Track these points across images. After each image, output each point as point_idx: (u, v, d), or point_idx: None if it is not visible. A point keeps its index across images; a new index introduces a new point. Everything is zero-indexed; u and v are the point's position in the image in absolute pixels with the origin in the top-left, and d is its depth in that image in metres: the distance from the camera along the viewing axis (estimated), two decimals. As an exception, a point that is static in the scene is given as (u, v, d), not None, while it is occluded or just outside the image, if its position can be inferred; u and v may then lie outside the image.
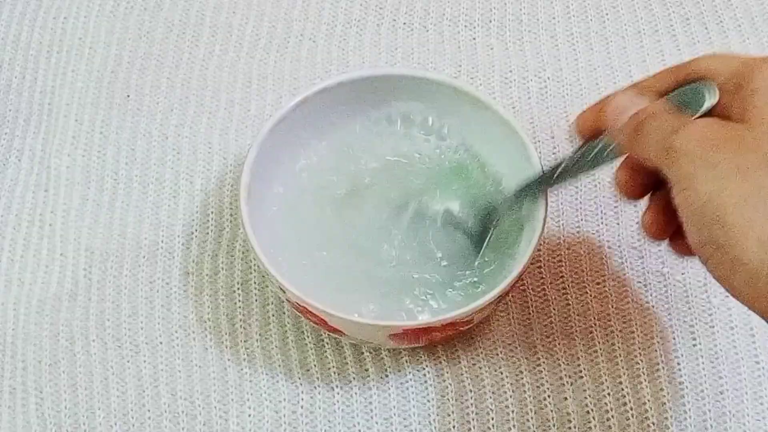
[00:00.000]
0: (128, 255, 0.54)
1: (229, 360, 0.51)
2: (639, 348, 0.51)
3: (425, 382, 0.50)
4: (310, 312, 0.46)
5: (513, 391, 0.50)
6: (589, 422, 0.49)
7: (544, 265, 0.53)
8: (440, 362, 0.51)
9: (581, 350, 0.51)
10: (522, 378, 0.50)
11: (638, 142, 0.39)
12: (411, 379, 0.51)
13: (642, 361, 0.51)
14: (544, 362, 0.51)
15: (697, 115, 0.39)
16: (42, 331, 0.52)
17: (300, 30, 0.62)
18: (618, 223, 0.54)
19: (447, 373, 0.51)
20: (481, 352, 0.51)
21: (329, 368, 0.51)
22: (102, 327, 0.52)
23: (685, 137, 0.36)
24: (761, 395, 0.50)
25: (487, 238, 0.49)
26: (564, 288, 0.53)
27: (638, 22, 0.62)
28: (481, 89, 0.59)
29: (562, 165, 0.45)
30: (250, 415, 0.50)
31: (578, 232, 0.54)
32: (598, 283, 0.53)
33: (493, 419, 0.50)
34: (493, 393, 0.50)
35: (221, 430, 0.50)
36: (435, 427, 0.49)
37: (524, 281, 0.53)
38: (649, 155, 0.38)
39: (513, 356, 0.51)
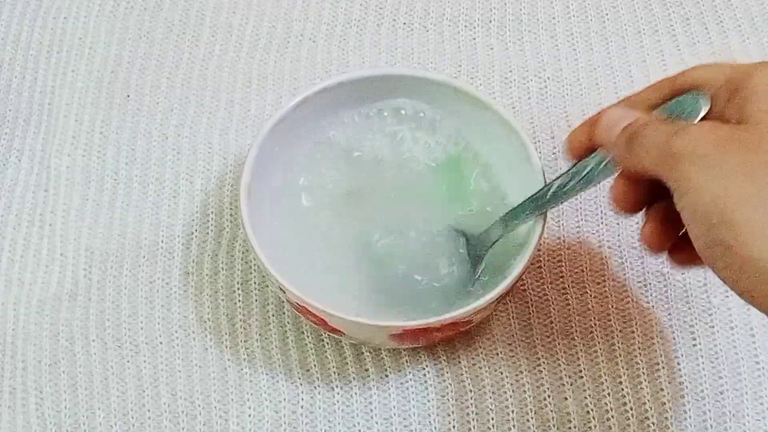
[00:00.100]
0: (128, 255, 0.54)
1: (229, 360, 0.51)
2: (639, 348, 0.51)
3: (425, 382, 0.50)
4: (310, 312, 0.46)
5: (513, 391, 0.50)
6: (589, 422, 0.49)
7: (544, 265, 0.53)
8: (440, 362, 0.51)
9: (581, 350, 0.51)
10: (522, 378, 0.50)
11: (634, 152, 0.39)
12: (411, 379, 0.51)
13: (642, 361, 0.51)
14: (544, 362, 0.51)
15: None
16: (42, 331, 0.52)
17: (300, 30, 0.62)
18: (618, 223, 0.54)
19: (447, 373, 0.51)
20: (481, 352, 0.51)
21: (329, 368, 0.51)
22: (102, 327, 0.52)
23: (685, 140, 0.36)
24: (761, 395, 0.50)
25: (482, 261, 0.48)
26: (564, 288, 0.53)
27: (638, 22, 0.62)
28: (481, 89, 0.59)
29: (555, 185, 0.45)
30: (250, 415, 0.50)
31: (578, 232, 0.54)
32: (598, 283, 0.53)
33: (493, 419, 0.50)
34: (493, 393, 0.50)
35: (221, 430, 0.50)
36: (435, 427, 0.49)
37: (524, 281, 0.53)
38: (647, 164, 0.38)
39: (513, 356, 0.51)
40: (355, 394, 0.50)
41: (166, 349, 0.52)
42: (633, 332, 0.51)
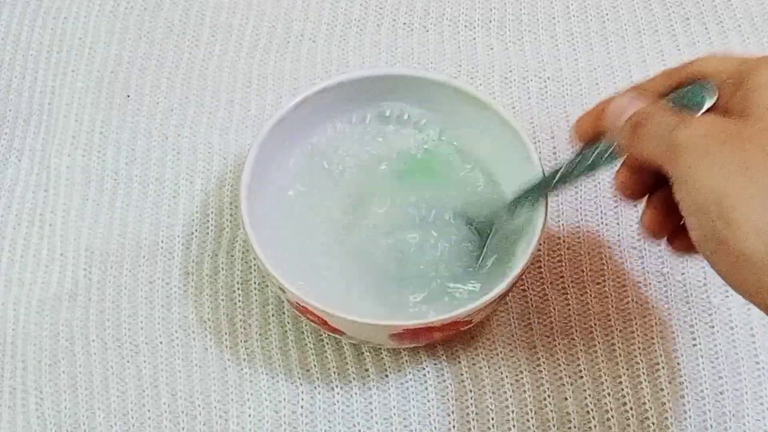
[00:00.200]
0: (128, 255, 0.54)
1: (229, 360, 0.51)
2: (639, 348, 0.51)
3: (425, 382, 0.50)
4: (310, 312, 0.46)
5: (513, 391, 0.50)
6: (589, 422, 0.49)
7: (544, 265, 0.53)
8: (440, 362, 0.51)
9: (581, 350, 0.51)
10: (522, 378, 0.50)
11: (639, 140, 0.39)
12: (411, 379, 0.51)
13: (642, 361, 0.51)
14: (544, 362, 0.51)
15: (697, 115, 0.39)
16: (42, 331, 0.52)
17: (300, 30, 0.62)
18: (618, 223, 0.54)
19: (447, 373, 0.51)
20: (481, 352, 0.51)
21: (329, 368, 0.51)
22: (102, 327, 0.52)
23: (687, 133, 0.36)
24: (761, 395, 0.50)
25: (485, 245, 0.49)
26: (564, 288, 0.53)
27: (638, 22, 0.62)
28: (481, 89, 0.59)
29: (562, 169, 0.45)
30: (250, 415, 0.50)
31: (578, 232, 0.54)
32: (598, 283, 0.53)
33: (493, 419, 0.50)
34: (493, 393, 0.50)
35: (221, 430, 0.50)
36: (435, 427, 0.49)
37: (524, 281, 0.53)
38: (650, 153, 0.38)
39: (513, 356, 0.51)
40: (355, 394, 0.50)
41: (166, 349, 0.52)
42: (633, 332, 0.51)
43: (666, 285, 0.53)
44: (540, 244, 0.50)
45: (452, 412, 0.50)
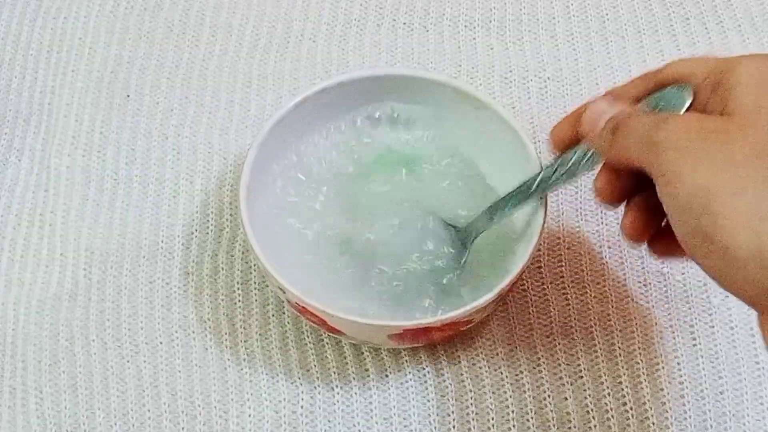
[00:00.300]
0: (128, 255, 0.54)
1: (229, 360, 0.51)
2: (639, 348, 0.51)
3: (425, 382, 0.50)
4: (310, 312, 0.46)
5: (513, 391, 0.50)
6: (589, 422, 0.49)
7: (544, 265, 0.53)
8: (440, 362, 0.51)
9: (581, 350, 0.51)
10: (522, 378, 0.50)
11: (618, 142, 0.39)
12: (411, 379, 0.51)
13: (642, 361, 0.51)
14: (544, 362, 0.51)
15: None
16: (42, 331, 0.52)
17: (300, 30, 0.62)
18: (618, 223, 0.54)
19: (447, 373, 0.51)
20: (481, 352, 0.51)
21: (329, 368, 0.51)
22: (102, 327, 0.52)
23: (669, 130, 0.36)
24: (761, 395, 0.50)
25: (466, 255, 0.49)
26: (564, 288, 0.53)
27: (638, 22, 0.62)
28: (481, 89, 0.59)
29: (541, 175, 0.45)
30: (250, 415, 0.50)
31: (578, 232, 0.54)
32: (598, 283, 0.53)
33: (493, 419, 0.50)
34: (493, 393, 0.50)
35: (221, 430, 0.50)
36: (435, 427, 0.49)
37: (524, 281, 0.53)
38: (631, 154, 0.38)
39: (513, 356, 0.51)
40: (355, 394, 0.50)
41: (166, 349, 0.52)
42: (633, 332, 0.51)
43: (666, 285, 0.53)
44: (540, 244, 0.50)
45: (452, 412, 0.50)
